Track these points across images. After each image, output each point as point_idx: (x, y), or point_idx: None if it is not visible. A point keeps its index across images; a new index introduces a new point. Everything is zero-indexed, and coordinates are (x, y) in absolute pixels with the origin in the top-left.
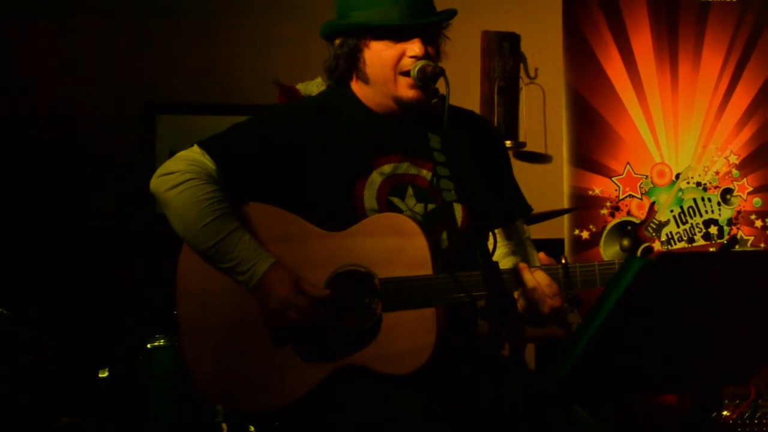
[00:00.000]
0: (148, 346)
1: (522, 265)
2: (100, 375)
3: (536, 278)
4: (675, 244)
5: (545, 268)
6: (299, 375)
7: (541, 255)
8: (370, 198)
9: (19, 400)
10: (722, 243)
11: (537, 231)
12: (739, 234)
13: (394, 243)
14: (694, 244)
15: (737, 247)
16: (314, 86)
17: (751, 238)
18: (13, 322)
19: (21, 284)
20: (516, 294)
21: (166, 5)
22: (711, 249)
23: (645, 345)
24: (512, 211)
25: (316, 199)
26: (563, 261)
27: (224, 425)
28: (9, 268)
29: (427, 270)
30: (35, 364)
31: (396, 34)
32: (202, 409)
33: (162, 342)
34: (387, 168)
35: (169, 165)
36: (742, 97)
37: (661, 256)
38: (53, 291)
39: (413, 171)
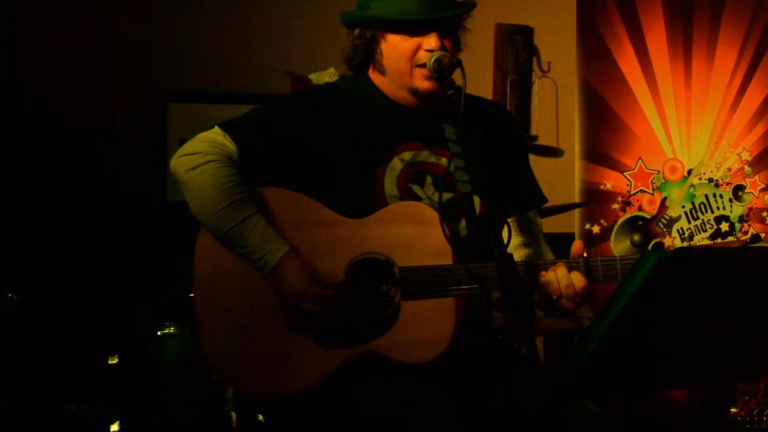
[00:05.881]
0: (159, 333)
1: (543, 261)
2: (109, 361)
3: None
4: (693, 238)
5: (567, 262)
6: (315, 361)
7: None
8: (390, 184)
9: (28, 385)
10: (745, 240)
11: (548, 225)
12: (751, 231)
13: (415, 232)
14: (717, 240)
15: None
16: (327, 76)
17: (762, 236)
18: (23, 307)
19: (31, 269)
20: (539, 288)
21: None
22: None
23: (659, 341)
24: (527, 202)
25: (336, 185)
26: (584, 255)
27: (233, 414)
28: (19, 252)
29: (447, 259)
30: (44, 350)
31: (413, 28)
32: (212, 397)
33: (172, 329)
34: (407, 155)
35: (190, 146)
36: (756, 94)
37: (678, 252)
38: (63, 277)
39: (432, 159)
